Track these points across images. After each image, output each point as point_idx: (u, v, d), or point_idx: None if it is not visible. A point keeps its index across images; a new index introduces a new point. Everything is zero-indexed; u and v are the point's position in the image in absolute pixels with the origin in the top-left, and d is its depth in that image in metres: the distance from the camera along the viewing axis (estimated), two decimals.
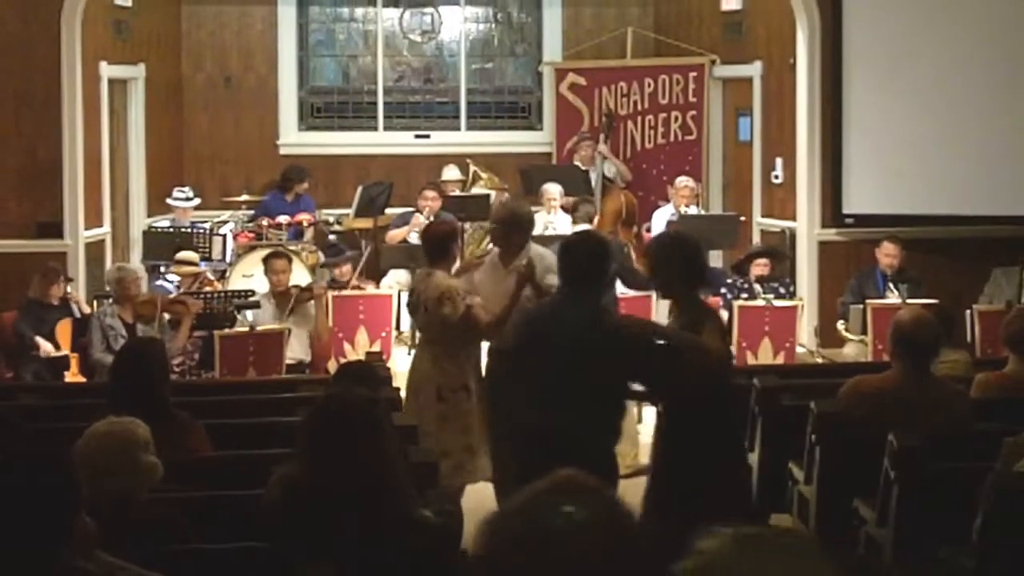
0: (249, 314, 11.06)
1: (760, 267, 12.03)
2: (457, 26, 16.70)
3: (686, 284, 6.79)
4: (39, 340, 10.80)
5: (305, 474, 4.78)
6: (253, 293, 11.37)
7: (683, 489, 6.34)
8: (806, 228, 13.18)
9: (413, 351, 9.81)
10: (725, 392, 6.71)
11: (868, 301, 11.37)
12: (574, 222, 12.22)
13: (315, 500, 4.70)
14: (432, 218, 13.34)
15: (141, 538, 4.71)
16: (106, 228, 13.49)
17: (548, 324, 6.59)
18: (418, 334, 9.04)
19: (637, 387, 6.90)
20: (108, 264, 13.36)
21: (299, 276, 12.52)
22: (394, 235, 13.58)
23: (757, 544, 2.53)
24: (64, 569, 3.97)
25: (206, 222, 14.07)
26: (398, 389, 7.97)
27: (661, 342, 6.68)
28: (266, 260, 11.50)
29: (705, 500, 6.08)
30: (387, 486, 4.72)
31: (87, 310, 11.61)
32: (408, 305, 8.54)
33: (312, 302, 11.14)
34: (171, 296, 10.67)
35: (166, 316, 10.51)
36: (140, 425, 5.22)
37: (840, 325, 11.80)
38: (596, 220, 13.14)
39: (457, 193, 14.69)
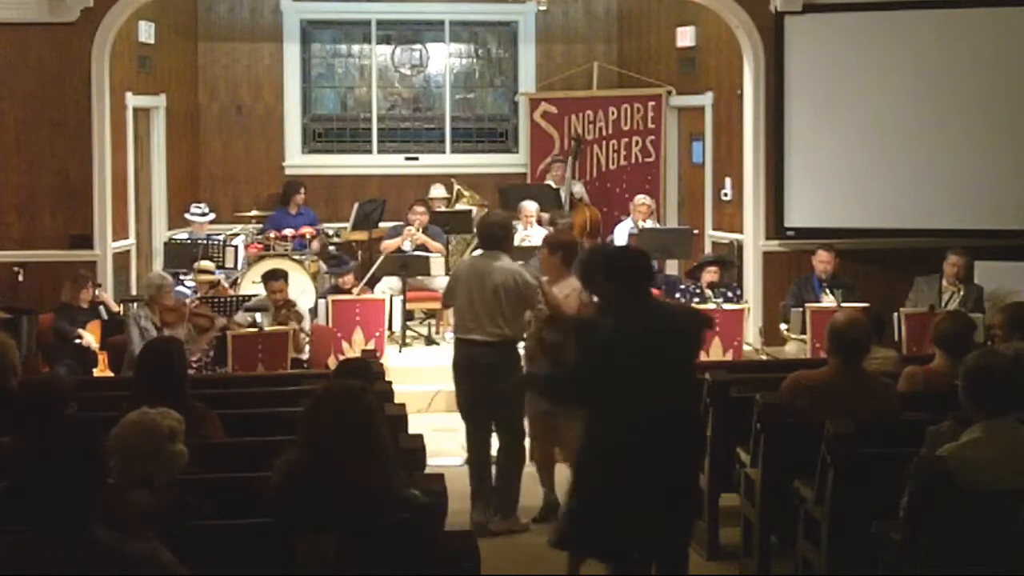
0: (259, 316, 11.05)
1: (711, 274, 12.02)
2: (442, 61, 16.67)
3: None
4: (81, 331, 10.80)
5: (305, 455, 4.77)
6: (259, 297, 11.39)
7: None
8: (752, 240, 13.17)
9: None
10: None
11: (807, 304, 11.38)
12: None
13: (314, 479, 4.68)
14: (422, 231, 13.34)
15: (161, 514, 4.69)
16: (131, 240, 13.45)
17: (642, 323, 5.90)
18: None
19: None
20: (133, 272, 13.35)
21: (300, 285, 12.51)
22: (387, 245, 13.54)
23: None
24: (88, 540, 3.94)
25: (220, 235, 14.04)
26: (390, 383, 7.93)
27: None
28: (264, 279, 11.43)
29: None
30: (378, 466, 4.71)
31: (115, 308, 11.55)
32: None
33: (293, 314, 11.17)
34: (199, 310, 10.62)
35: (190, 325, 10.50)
36: (169, 416, 5.18)
37: (782, 326, 11.81)
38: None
39: (443, 209, 14.69)
